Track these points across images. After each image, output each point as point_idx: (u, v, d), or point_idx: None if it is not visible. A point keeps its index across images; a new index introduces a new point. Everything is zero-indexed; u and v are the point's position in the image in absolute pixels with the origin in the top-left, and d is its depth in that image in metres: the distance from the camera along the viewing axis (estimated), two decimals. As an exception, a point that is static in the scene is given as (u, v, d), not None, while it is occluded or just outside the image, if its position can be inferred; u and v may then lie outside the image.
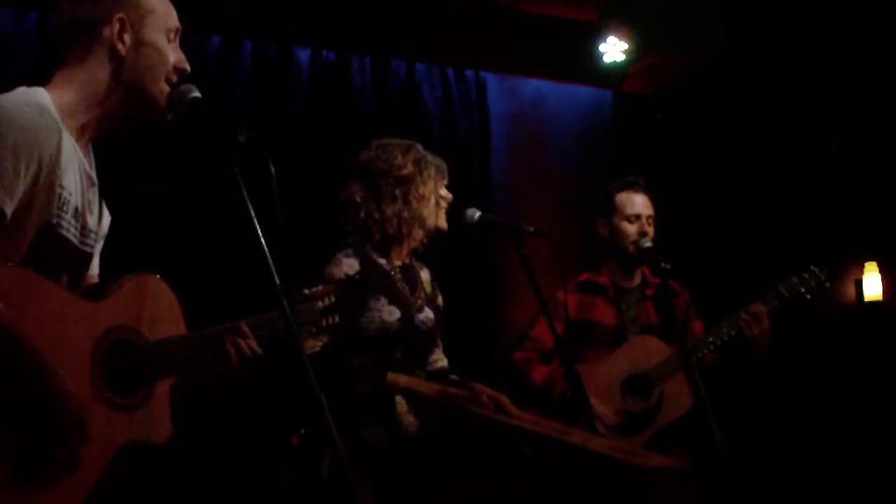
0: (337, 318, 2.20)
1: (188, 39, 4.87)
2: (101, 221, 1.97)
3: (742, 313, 3.22)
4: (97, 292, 1.82)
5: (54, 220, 1.72)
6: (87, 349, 1.73)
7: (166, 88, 1.87)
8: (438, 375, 2.80)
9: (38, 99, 1.72)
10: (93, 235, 1.90)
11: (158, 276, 1.91)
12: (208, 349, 1.90)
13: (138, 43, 1.84)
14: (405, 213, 2.74)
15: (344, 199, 2.82)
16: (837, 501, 4.28)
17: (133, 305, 1.84)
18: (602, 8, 5.22)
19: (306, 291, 2.19)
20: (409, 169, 2.77)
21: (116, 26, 1.82)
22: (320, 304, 2.16)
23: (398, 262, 2.80)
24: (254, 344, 1.92)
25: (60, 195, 1.72)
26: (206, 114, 1.80)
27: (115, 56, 1.82)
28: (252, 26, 4.58)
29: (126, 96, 1.84)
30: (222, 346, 1.90)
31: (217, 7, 4.37)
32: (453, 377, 2.81)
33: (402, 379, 2.60)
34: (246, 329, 1.92)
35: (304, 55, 4.77)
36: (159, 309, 1.88)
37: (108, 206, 2.00)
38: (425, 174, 2.78)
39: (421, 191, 2.76)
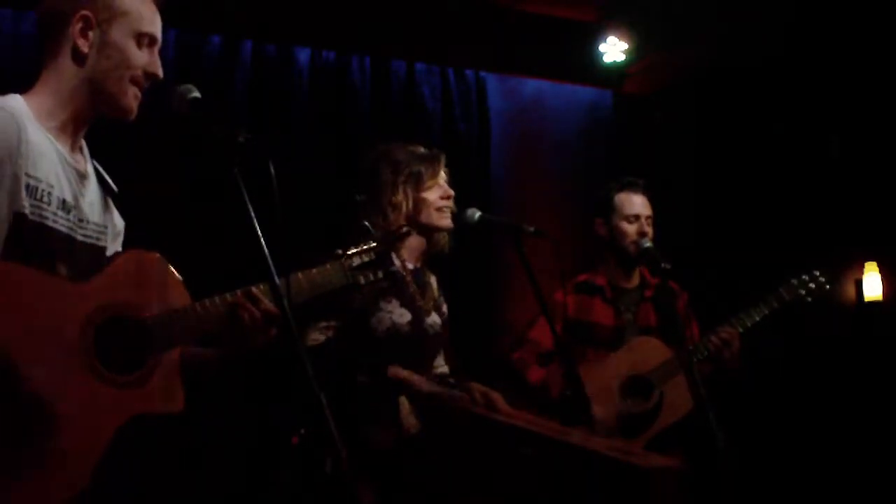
0: (380, 275, 2.11)
1: (188, 39, 4.85)
2: (110, 217, 1.97)
3: (712, 336, 3.22)
4: (87, 274, 1.81)
5: (25, 210, 1.72)
6: (74, 328, 1.71)
7: (130, 90, 1.87)
8: (438, 380, 2.81)
9: None
10: (96, 228, 1.91)
11: (158, 254, 1.90)
12: (216, 316, 1.87)
13: (103, 43, 1.85)
14: (381, 226, 2.70)
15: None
16: (837, 502, 4.27)
17: (130, 282, 1.83)
18: (602, 8, 5.23)
19: (339, 251, 2.12)
20: (385, 177, 2.75)
21: (80, 24, 1.83)
22: (357, 260, 2.10)
23: (410, 266, 2.80)
24: (268, 304, 1.86)
25: (29, 185, 1.73)
26: (206, 114, 1.80)
27: (77, 54, 1.84)
28: (252, 26, 4.57)
29: (90, 95, 1.86)
30: (235, 311, 1.86)
31: (217, 7, 4.37)
32: (451, 380, 2.81)
33: (402, 372, 2.60)
34: (258, 293, 1.88)
35: (303, 55, 4.76)
36: (163, 285, 1.87)
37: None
38: (399, 179, 2.75)
39: (394, 200, 2.74)
